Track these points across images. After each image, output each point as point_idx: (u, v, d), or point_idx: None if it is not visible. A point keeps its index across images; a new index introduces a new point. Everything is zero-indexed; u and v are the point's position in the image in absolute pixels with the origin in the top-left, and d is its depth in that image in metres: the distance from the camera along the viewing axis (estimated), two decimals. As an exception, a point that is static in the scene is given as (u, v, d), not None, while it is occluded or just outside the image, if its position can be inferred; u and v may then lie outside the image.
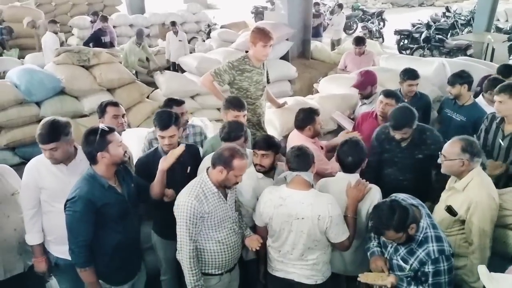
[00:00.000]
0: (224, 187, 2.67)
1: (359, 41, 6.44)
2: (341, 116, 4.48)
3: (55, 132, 2.68)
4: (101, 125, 2.62)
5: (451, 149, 2.74)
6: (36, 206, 2.86)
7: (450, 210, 2.78)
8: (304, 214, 2.57)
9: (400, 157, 3.37)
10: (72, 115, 5.66)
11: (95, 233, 2.60)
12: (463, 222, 2.75)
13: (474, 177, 2.72)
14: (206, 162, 2.95)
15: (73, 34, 12.15)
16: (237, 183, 2.64)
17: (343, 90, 4.98)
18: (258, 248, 2.75)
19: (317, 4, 12.92)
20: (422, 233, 2.40)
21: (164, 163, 2.81)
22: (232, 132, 2.99)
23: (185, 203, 2.57)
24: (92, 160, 2.60)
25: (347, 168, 2.88)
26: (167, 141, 2.97)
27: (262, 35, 3.81)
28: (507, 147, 3.43)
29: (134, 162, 3.61)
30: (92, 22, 10.55)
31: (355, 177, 2.87)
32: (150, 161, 3.04)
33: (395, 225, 2.31)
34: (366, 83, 4.28)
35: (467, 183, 2.72)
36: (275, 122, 4.34)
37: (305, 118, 3.50)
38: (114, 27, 10.96)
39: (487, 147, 3.58)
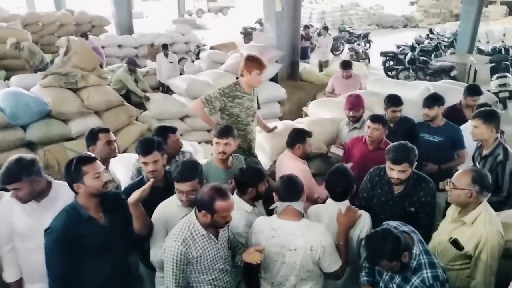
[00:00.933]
0: (214, 227, 2.58)
1: (346, 65, 6.53)
2: (338, 149, 4.44)
3: (17, 172, 2.61)
4: (82, 155, 2.56)
5: (461, 178, 2.68)
6: (12, 242, 2.79)
7: (456, 243, 2.71)
8: (297, 245, 2.55)
9: (391, 205, 3.12)
10: (59, 138, 5.59)
11: (77, 265, 2.53)
12: (468, 256, 2.70)
13: (483, 212, 2.66)
14: None
15: (59, 54, 12.08)
16: (228, 222, 2.53)
17: (332, 114, 5.03)
18: (259, 261, 2.61)
19: (307, 27, 13.15)
20: (416, 260, 2.40)
21: (131, 199, 2.70)
22: (184, 172, 2.74)
23: (171, 248, 2.48)
24: (72, 190, 2.54)
25: (336, 196, 2.90)
26: (150, 167, 2.93)
27: (257, 63, 3.88)
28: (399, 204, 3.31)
29: (123, 189, 3.58)
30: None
31: (345, 204, 2.89)
32: (135, 190, 2.92)
33: (388, 254, 2.31)
34: (359, 105, 4.37)
35: (476, 217, 2.65)
36: (265, 147, 4.35)
37: (297, 137, 3.58)
38: (102, 47, 10.99)
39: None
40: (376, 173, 3.25)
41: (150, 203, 2.81)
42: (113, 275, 2.64)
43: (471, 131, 3.54)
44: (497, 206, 3.08)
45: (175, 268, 2.48)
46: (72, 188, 2.51)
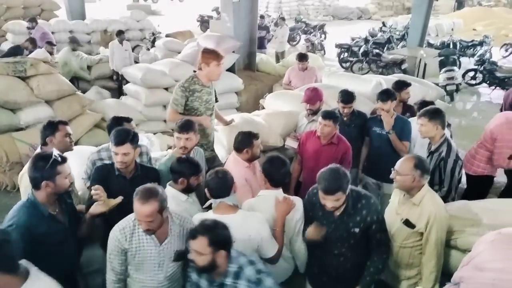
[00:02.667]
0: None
1: (302, 57, 6.66)
2: (294, 142, 4.48)
3: None
4: (55, 154, 2.55)
5: (404, 165, 2.90)
6: None
7: (408, 223, 2.92)
8: (235, 236, 2.60)
9: (333, 227, 2.86)
10: (7, 128, 5.39)
11: (36, 262, 2.47)
12: (419, 234, 2.89)
13: (427, 192, 2.90)
14: None
15: (7, 40, 11.49)
16: (150, 230, 2.46)
17: (288, 107, 5.10)
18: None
19: (262, 17, 13.17)
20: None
21: (92, 211, 2.74)
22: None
23: (112, 232, 2.56)
24: (35, 186, 2.53)
25: (274, 182, 3.00)
26: (119, 158, 2.93)
27: (214, 55, 3.90)
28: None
29: (76, 184, 3.50)
30: (29, 28, 10.04)
31: (280, 192, 3.01)
32: (105, 174, 3.05)
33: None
34: (316, 98, 4.46)
35: (422, 197, 2.89)
36: (222, 140, 4.37)
37: (243, 141, 3.46)
38: (52, 33, 10.53)
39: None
40: (313, 193, 2.95)
41: (115, 193, 2.82)
42: (68, 271, 2.67)
43: (418, 129, 3.72)
44: None
45: (110, 251, 2.56)
46: (36, 184, 2.51)
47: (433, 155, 3.65)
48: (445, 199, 3.52)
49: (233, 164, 3.48)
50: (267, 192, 3.02)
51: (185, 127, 3.34)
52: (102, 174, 3.06)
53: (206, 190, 2.78)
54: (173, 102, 3.92)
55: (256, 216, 2.75)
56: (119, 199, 2.77)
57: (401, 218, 2.96)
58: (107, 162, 3.42)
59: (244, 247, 2.61)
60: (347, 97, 4.41)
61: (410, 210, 2.93)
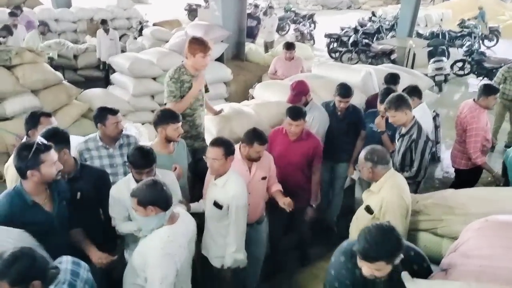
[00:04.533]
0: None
1: (290, 46, 6.63)
2: None
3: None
4: (39, 141, 2.50)
5: (359, 159, 3.07)
6: None
7: (368, 209, 3.05)
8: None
9: None
10: (-9, 119, 5.28)
11: None
12: (377, 220, 2.93)
13: (388, 180, 2.98)
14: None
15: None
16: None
17: (278, 97, 5.07)
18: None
19: (256, 6, 13.08)
20: None
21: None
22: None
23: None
24: (21, 175, 2.51)
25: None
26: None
27: (201, 45, 3.77)
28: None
29: (64, 173, 3.46)
30: (13, 15, 9.82)
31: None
32: None
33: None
34: (299, 95, 4.27)
35: (381, 186, 2.99)
36: (211, 130, 4.33)
37: (248, 138, 3.30)
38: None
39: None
40: (353, 264, 2.28)
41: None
42: (62, 251, 2.53)
43: (390, 121, 3.76)
44: (408, 180, 3.33)
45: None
46: (22, 174, 2.48)
47: (404, 138, 3.71)
48: (415, 178, 3.67)
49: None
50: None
51: (178, 116, 3.36)
52: None
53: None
54: (170, 95, 3.81)
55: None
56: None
57: (365, 205, 3.09)
58: (94, 152, 3.39)
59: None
60: (345, 91, 4.28)
61: (371, 197, 3.06)
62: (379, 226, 2.14)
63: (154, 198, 2.41)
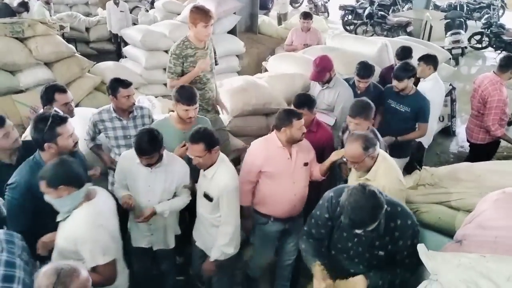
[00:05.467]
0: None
1: (307, 16, 6.52)
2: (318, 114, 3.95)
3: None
4: (54, 113, 2.51)
5: (355, 152, 2.69)
6: None
7: None
8: None
9: (355, 242, 2.41)
10: (6, 91, 5.30)
11: (40, 222, 2.51)
12: None
13: (381, 164, 2.79)
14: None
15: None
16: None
17: (292, 69, 5.02)
18: None
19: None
20: None
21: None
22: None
23: None
24: (39, 147, 2.54)
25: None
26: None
27: (202, 15, 3.61)
28: None
29: (79, 144, 3.49)
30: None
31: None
32: None
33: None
34: (323, 72, 4.05)
35: (376, 171, 2.78)
36: (225, 103, 4.31)
37: (282, 120, 3.05)
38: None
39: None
40: (337, 201, 2.40)
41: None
42: None
43: (352, 128, 3.28)
44: None
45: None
46: (40, 146, 2.51)
47: None
48: None
49: (265, 142, 3.18)
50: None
51: (193, 98, 3.15)
52: None
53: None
54: (168, 71, 3.74)
55: None
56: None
57: None
58: (108, 123, 3.40)
59: None
60: (364, 71, 4.09)
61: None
62: (361, 195, 2.16)
63: (64, 177, 2.28)
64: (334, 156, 3.19)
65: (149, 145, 2.77)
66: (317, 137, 3.47)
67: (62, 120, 2.53)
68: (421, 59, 4.47)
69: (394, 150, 4.14)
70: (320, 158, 3.32)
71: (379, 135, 3.30)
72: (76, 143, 2.63)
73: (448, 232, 2.87)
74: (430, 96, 4.18)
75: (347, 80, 4.36)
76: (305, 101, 3.39)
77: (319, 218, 2.50)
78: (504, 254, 1.96)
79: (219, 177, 2.87)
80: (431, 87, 4.34)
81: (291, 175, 3.13)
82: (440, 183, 3.15)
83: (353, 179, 2.93)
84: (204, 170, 2.93)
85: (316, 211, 2.54)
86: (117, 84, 3.32)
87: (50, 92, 3.14)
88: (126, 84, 3.34)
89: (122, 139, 3.42)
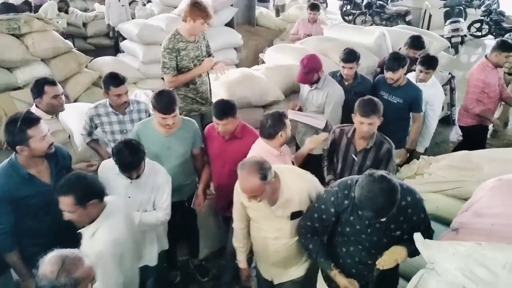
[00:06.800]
0: None
1: (314, 7, 6.55)
2: (296, 114, 3.96)
3: None
4: (24, 115, 2.40)
5: (253, 187, 2.29)
6: None
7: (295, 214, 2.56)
8: None
9: (369, 233, 2.32)
10: (4, 88, 5.29)
11: (22, 221, 2.53)
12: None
13: (284, 177, 2.48)
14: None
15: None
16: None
17: (289, 60, 4.99)
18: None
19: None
20: None
21: None
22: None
23: None
24: (13, 149, 2.46)
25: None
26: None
27: (204, 13, 3.63)
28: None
29: (75, 139, 3.49)
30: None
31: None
32: None
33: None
34: (311, 73, 3.83)
35: (287, 186, 2.46)
36: (221, 95, 4.29)
37: (276, 124, 2.90)
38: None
39: (338, 163, 3.32)
40: (344, 194, 2.35)
41: None
42: (57, 229, 2.54)
43: (365, 130, 3.04)
44: None
45: None
46: (13, 148, 2.44)
47: (370, 151, 3.13)
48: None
49: (262, 153, 2.91)
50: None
51: (169, 107, 2.92)
52: None
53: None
54: (163, 67, 3.71)
55: None
56: None
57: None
58: (104, 118, 3.40)
59: None
60: (348, 55, 3.96)
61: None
62: (377, 184, 2.07)
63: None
64: (311, 144, 3.17)
65: (132, 158, 2.58)
66: (244, 143, 3.11)
67: (33, 122, 2.40)
68: (424, 63, 4.11)
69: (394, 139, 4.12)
70: None
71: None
72: (51, 144, 2.52)
73: (446, 221, 2.87)
74: (434, 100, 4.22)
75: (334, 72, 4.23)
76: (227, 110, 3.03)
77: (324, 212, 2.41)
78: (500, 241, 1.95)
79: (96, 240, 2.28)
80: (434, 91, 4.25)
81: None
82: (438, 171, 3.15)
83: (263, 217, 2.62)
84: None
85: (320, 205, 2.43)
86: (109, 82, 3.27)
87: (40, 85, 3.07)
88: (118, 82, 3.26)
89: (118, 134, 3.42)
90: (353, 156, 3.10)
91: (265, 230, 2.62)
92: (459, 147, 4.81)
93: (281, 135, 2.91)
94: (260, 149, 2.95)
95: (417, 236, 2.04)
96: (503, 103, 5.17)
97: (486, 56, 4.51)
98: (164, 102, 2.91)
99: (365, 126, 2.99)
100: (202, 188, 3.43)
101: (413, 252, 2.19)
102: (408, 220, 2.25)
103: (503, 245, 1.86)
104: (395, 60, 3.88)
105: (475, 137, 4.62)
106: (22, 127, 2.36)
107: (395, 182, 2.09)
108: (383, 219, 2.13)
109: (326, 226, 2.46)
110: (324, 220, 2.43)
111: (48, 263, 1.78)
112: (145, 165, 2.72)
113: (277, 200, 2.45)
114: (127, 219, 2.53)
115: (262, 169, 2.28)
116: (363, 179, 2.12)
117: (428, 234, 2.32)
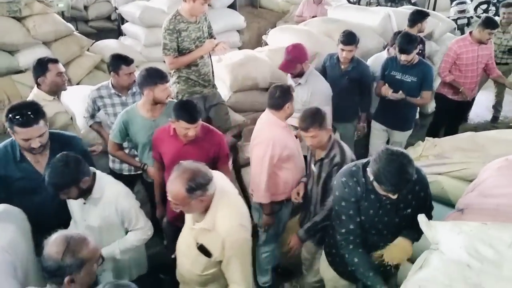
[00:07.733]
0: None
1: None
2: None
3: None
4: (16, 114, 2.38)
5: (177, 194, 2.06)
6: None
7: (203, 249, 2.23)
8: None
9: (381, 214, 2.31)
10: (6, 71, 5.29)
11: (8, 198, 2.51)
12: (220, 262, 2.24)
13: (218, 207, 2.15)
14: None
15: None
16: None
17: (293, 41, 4.91)
18: None
19: None
20: None
21: None
22: None
23: None
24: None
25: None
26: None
27: None
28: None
29: (78, 122, 3.48)
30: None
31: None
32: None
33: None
34: (294, 62, 3.62)
35: (214, 217, 2.14)
36: (225, 78, 4.26)
37: (284, 95, 2.95)
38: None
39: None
40: (354, 181, 2.30)
41: None
42: (46, 212, 2.54)
43: (309, 143, 2.81)
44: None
45: None
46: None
47: (323, 163, 2.85)
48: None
49: (269, 125, 2.98)
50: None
51: (195, 116, 2.72)
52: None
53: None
54: (164, 48, 3.64)
55: None
56: None
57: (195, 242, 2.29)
58: (107, 100, 3.38)
59: None
60: (347, 38, 3.88)
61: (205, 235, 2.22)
62: (396, 167, 2.05)
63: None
64: None
65: (60, 178, 2.28)
66: (207, 144, 2.90)
67: (22, 124, 2.39)
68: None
69: (398, 123, 4.10)
70: (214, 167, 2.65)
71: (345, 147, 2.85)
72: (41, 145, 2.47)
73: (452, 203, 2.86)
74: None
75: (332, 55, 4.16)
76: (196, 113, 2.74)
77: (348, 207, 2.32)
78: (506, 221, 1.94)
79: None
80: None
81: (299, 151, 3.10)
82: (444, 153, 3.13)
83: (187, 225, 2.38)
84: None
85: (340, 202, 2.33)
86: (120, 62, 3.30)
87: (43, 62, 3.08)
88: (128, 61, 3.32)
89: (121, 116, 3.40)
90: (313, 165, 2.95)
91: (182, 238, 2.44)
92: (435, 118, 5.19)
93: (287, 107, 2.97)
94: (267, 120, 3.02)
95: (422, 218, 2.02)
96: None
97: (470, 32, 4.69)
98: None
99: (308, 139, 2.77)
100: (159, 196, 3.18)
101: (416, 239, 2.27)
102: (417, 197, 2.27)
103: (509, 225, 1.85)
104: (408, 42, 3.81)
105: (450, 110, 4.91)
106: (11, 124, 2.41)
107: (406, 153, 2.11)
108: (395, 196, 2.13)
109: (358, 222, 2.35)
110: (353, 217, 2.33)
111: (53, 243, 1.79)
112: (93, 187, 2.47)
113: (202, 221, 2.17)
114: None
115: (192, 180, 2.03)
116: (378, 155, 2.10)
117: (430, 210, 2.38)
